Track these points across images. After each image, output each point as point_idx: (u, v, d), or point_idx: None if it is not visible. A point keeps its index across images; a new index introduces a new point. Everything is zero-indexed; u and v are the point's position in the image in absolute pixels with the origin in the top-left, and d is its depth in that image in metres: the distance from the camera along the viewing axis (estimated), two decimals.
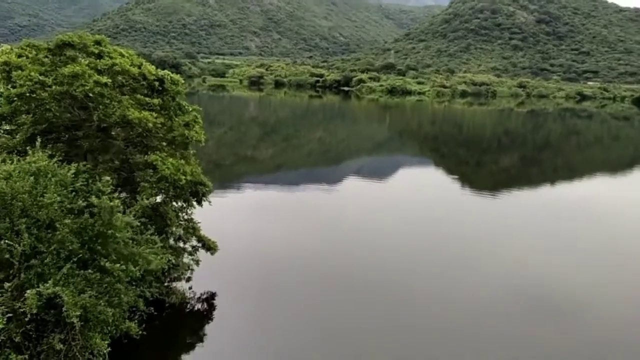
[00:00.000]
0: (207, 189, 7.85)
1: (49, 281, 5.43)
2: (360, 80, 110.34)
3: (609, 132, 49.85)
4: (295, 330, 7.01)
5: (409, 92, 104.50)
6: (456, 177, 19.63)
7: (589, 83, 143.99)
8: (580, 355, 6.63)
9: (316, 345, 6.73)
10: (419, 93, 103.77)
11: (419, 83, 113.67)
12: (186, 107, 8.24)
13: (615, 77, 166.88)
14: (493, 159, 27.52)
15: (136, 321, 6.06)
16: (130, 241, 6.41)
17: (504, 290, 8.57)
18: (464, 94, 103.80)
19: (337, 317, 7.45)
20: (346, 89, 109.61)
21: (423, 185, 18.14)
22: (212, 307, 7.63)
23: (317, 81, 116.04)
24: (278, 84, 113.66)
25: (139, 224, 6.67)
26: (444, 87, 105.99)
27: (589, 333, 7.26)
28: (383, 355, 6.50)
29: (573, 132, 46.86)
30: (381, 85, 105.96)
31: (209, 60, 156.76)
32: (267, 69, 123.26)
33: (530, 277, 9.18)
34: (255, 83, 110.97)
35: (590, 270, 9.74)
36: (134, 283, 6.43)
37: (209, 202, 7.92)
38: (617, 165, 27.30)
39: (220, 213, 12.34)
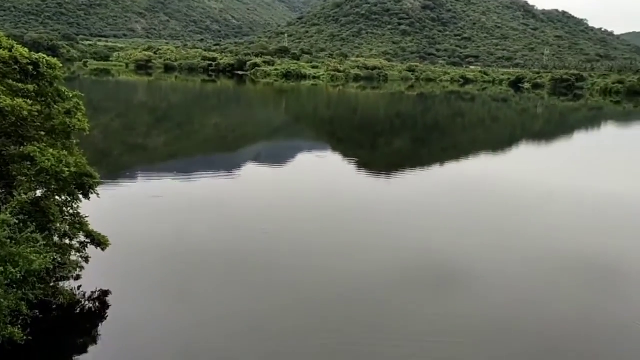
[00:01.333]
0: (94, 180, 7.32)
1: None
2: (255, 65, 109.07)
3: (490, 113, 53.59)
4: (194, 323, 6.77)
5: (304, 76, 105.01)
6: (353, 159, 20.07)
7: (471, 67, 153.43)
8: (475, 327, 7.01)
9: (217, 337, 6.56)
10: (314, 77, 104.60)
11: (313, 67, 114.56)
12: (66, 93, 7.58)
13: (494, 62, 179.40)
14: (387, 141, 28.51)
15: (19, 326, 5.58)
16: (8, 241, 5.83)
17: (400, 266, 8.87)
18: (357, 78, 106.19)
19: (236, 307, 7.29)
20: (241, 73, 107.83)
21: (321, 170, 18.37)
22: (105, 306, 7.16)
23: (210, 65, 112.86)
24: (168, 68, 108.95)
25: (17, 221, 6.08)
26: (338, 71, 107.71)
27: (480, 304, 7.71)
28: (284, 340, 6.48)
29: (458, 114, 49.78)
30: (276, 70, 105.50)
31: (90, 42, 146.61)
32: (155, 53, 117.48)
33: (425, 252, 9.60)
34: (143, 67, 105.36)
35: (482, 244, 10.36)
36: (14, 286, 5.86)
37: (97, 194, 7.40)
38: (498, 144, 29.46)
39: (110, 206, 11.62)
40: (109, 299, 7.26)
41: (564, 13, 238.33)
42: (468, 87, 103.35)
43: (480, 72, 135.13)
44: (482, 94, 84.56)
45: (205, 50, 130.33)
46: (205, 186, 14.38)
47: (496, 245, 10.28)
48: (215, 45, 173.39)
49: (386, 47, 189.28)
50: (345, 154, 21.98)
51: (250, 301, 7.43)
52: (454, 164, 21.02)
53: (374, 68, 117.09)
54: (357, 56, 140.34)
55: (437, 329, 6.84)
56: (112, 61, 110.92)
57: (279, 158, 20.89)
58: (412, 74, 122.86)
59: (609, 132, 39.55)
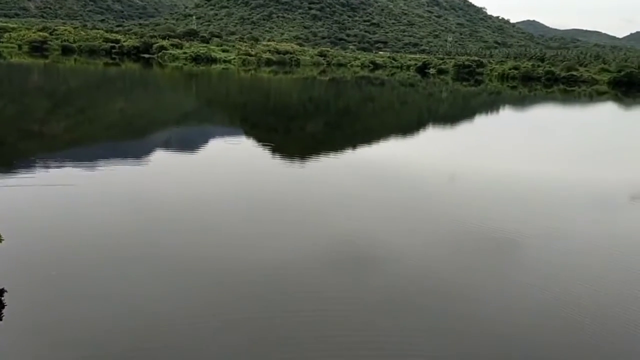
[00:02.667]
0: None
1: None
2: (162, 47, 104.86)
3: (399, 97, 55.20)
4: (101, 322, 6.37)
5: (215, 60, 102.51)
6: (267, 144, 19.89)
7: (380, 52, 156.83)
8: (392, 305, 7.16)
9: (127, 335, 6.21)
10: (225, 61, 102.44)
11: (224, 51, 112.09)
12: None
13: (402, 47, 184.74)
14: (300, 125, 28.53)
15: None
16: None
17: (316, 252, 8.88)
18: (269, 62, 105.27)
19: (148, 301, 6.95)
20: (147, 56, 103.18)
21: (235, 155, 18.02)
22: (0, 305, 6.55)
23: (113, 47, 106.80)
24: (66, 50, 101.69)
25: None
26: (250, 55, 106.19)
27: (395, 283, 7.88)
28: (193, 335, 6.28)
29: (369, 99, 50.82)
30: (185, 53, 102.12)
31: None
32: (51, 33, 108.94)
33: (341, 237, 9.68)
34: (38, 49, 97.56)
35: (395, 226, 10.62)
36: None
37: None
38: (407, 127, 30.44)
39: (5, 198, 10.70)
40: (5, 298, 6.64)
41: (464, 1, 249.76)
42: (378, 72, 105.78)
43: (389, 57, 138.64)
44: (391, 79, 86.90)
45: (107, 32, 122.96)
46: (113, 174, 13.60)
47: (408, 226, 10.59)
48: (117, 26, 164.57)
49: (297, 31, 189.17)
50: (259, 138, 21.73)
51: (163, 296, 7.11)
52: (366, 148, 21.44)
53: (286, 52, 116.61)
54: (269, 40, 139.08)
55: (357, 309, 6.92)
56: (2, 42, 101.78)
57: (190, 144, 20.24)
58: (324, 59, 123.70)
59: (507, 115, 42.15)
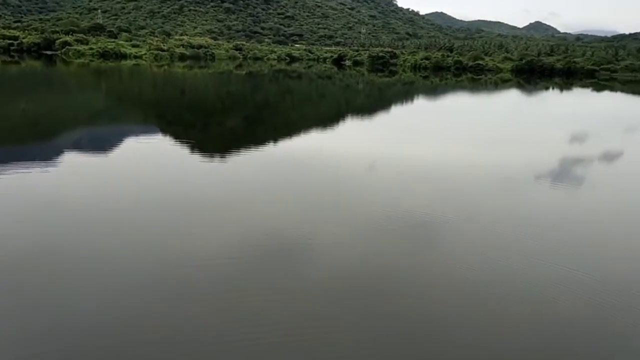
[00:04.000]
0: None
1: None
2: (65, 43, 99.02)
3: (317, 90, 55.59)
4: (18, 334, 5.96)
5: (124, 56, 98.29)
6: (185, 141, 19.36)
7: (296, 45, 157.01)
8: (318, 293, 7.20)
9: (47, 344, 5.85)
10: (135, 56, 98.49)
11: (134, 46, 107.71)
12: None
13: (317, 40, 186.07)
14: (219, 120, 28.01)
15: None
16: None
17: (241, 246, 8.78)
18: (183, 57, 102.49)
19: (67, 308, 6.58)
20: (49, 52, 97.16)
21: (152, 154, 17.39)
22: None
23: (12, 44, 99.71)
24: None
25: None
26: (162, 50, 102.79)
27: (320, 274, 7.93)
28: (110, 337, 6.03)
29: (287, 92, 50.79)
30: (91, 49, 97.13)
31: None
32: None
33: (266, 231, 9.61)
34: None
35: (319, 217, 10.69)
36: None
37: None
38: (326, 119, 30.72)
39: None
40: None
41: None
42: (295, 65, 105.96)
43: (305, 50, 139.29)
44: (308, 72, 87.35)
45: (4, 28, 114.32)
46: (20, 179, 12.70)
47: (333, 216, 10.69)
48: (16, 22, 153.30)
49: (211, 25, 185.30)
50: (177, 135, 21.11)
51: (82, 298, 6.75)
52: (287, 141, 21.44)
53: (200, 47, 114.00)
54: (181, 34, 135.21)
55: (284, 298, 6.92)
56: None
57: (103, 144, 19.29)
58: (240, 53, 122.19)
59: (421, 104, 43.69)
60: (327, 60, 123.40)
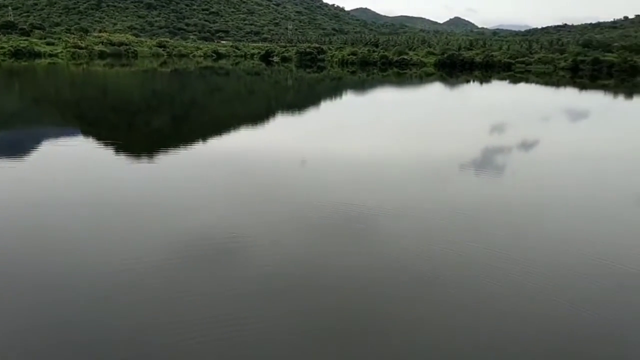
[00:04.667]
0: None
1: None
2: None
3: (246, 87, 55.00)
4: None
5: (39, 55, 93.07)
6: (109, 142, 18.55)
7: (222, 42, 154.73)
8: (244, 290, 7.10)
9: None
10: (51, 55, 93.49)
11: (49, 44, 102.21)
12: None
13: (244, 36, 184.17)
14: (145, 120, 27.08)
15: None
16: None
17: (173, 248, 8.53)
18: (102, 55, 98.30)
19: None
20: None
21: (73, 157, 16.52)
22: None
23: None
24: None
25: None
26: (80, 48, 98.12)
27: (254, 273, 7.84)
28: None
29: (215, 89, 49.91)
30: (2, 48, 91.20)
31: None
32: None
33: (198, 231, 9.39)
34: None
35: (253, 215, 10.55)
36: None
37: None
38: (256, 116, 30.41)
39: None
40: None
41: None
42: (222, 62, 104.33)
43: (231, 46, 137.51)
44: (236, 69, 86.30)
45: None
46: None
47: (267, 213, 10.60)
48: None
49: (131, 21, 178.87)
50: (100, 137, 20.20)
51: (5, 308, 6.31)
52: (217, 139, 21.06)
53: (121, 44, 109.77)
54: (100, 31, 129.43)
55: (212, 300, 6.78)
56: None
57: (19, 148, 18.13)
58: (164, 50, 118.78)
59: (350, 99, 44.26)
60: (255, 56, 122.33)
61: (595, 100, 44.76)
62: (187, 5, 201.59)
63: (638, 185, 14.16)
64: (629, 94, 51.63)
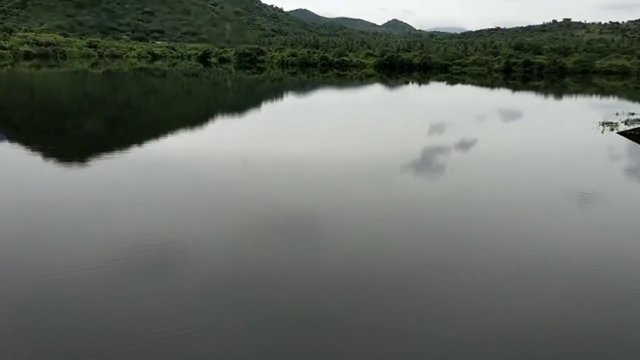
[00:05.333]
0: None
1: None
2: None
3: (183, 88, 53.70)
4: None
5: None
6: (37, 147, 17.45)
7: (157, 42, 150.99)
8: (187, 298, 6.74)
9: None
10: None
11: None
12: None
13: (180, 37, 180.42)
14: (76, 123, 25.74)
15: None
16: None
17: (110, 257, 7.99)
18: (28, 56, 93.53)
19: None
20: None
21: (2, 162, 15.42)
22: None
23: None
24: None
25: None
26: (4, 48, 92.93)
27: (197, 279, 7.48)
28: None
29: (151, 91, 48.39)
30: None
31: None
32: None
33: (134, 239, 8.87)
34: None
35: (193, 218, 10.11)
36: None
37: None
38: (195, 118, 29.63)
39: None
40: None
41: None
42: (157, 63, 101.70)
43: (167, 47, 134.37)
44: (173, 70, 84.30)
45: None
46: None
47: (204, 217, 10.19)
48: None
49: (60, 20, 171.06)
50: (27, 141, 18.97)
51: None
52: (154, 142, 20.27)
53: (49, 44, 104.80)
54: (26, 31, 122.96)
55: (150, 308, 6.35)
56: None
57: None
58: (95, 50, 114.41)
59: (291, 100, 44.07)
60: (192, 57, 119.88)
61: (528, 101, 46.71)
62: (119, 4, 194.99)
63: (567, 181, 14.70)
64: (559, 94, 54.27)
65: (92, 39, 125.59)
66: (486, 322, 6.54)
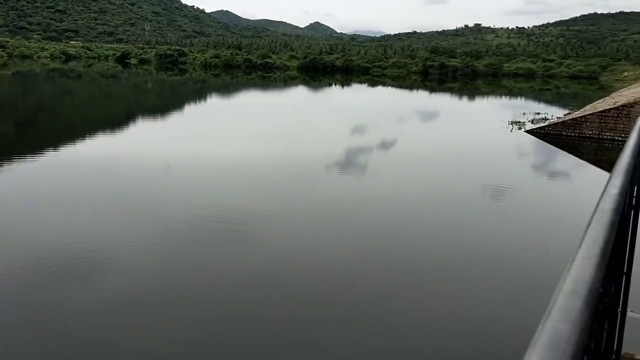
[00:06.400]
0: None
1: None
2: None
3: (101, 90, 51.60)
4: None
5: None
6: None
7: (71, 42, 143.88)
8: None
9: None
10: None
11: None
12: None
13: (96, 37, 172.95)
14: None
15: None
16: None
17: (22, 270, 7.69)
18: None
19: None
20: None
21: None
22: None
23: None
24: None
25: None
26: None
27: (122, 287, 7.38)
28: None
29: (66, 93, 46.14)
30: None
31: None
32: None
33: (49, 248, 8.56)
34: None
35: (114, 225, 9.86)
36: None
37: None
38: (115, 121, 28.61)
39: None
40: None
41: None
42: (72, 64, 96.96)
43: (82, 47, 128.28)
44: (89, 71, 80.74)
45: None
46: None
47: (126, 222, 9.99)
48: None
49: None
50: None
51: None
52: (70, 146, 19.42)
53: None
54: None
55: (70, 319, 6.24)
56: None
57: None
58: (3, 51, 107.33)
59: (215, 102, 43.53)
60: (110, 58, 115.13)
61: (444, 102, 48.84)
62: (28, 2, 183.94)
63: (482, 177, 15.63)
64: (472, 95, 57.10)
65: (1, 39, 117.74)
66: (418, 311, 6.90)
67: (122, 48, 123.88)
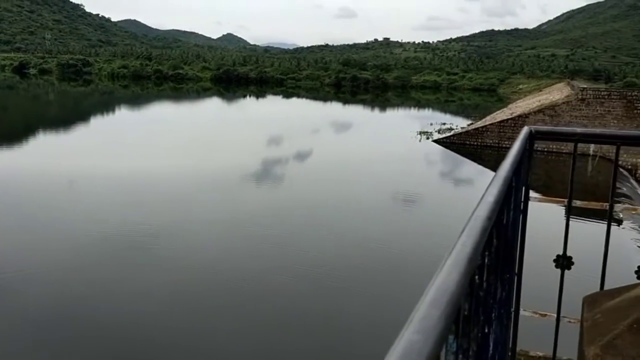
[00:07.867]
0: None
1: None
2: None
3: None
4: None
5: None
6: None
7: None
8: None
9: None
10: None
11: None
12: None
13: None
14: None
15: None
16: None
17: None
18: None
19: None
20: None
21: None
22: None
23: None
24: None
25: None
26: None
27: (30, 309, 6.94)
28: None
29: None
30: None
31: None
32: None
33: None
34: None
35: (21, 245, 9.24)
36: None
37: None
38: (12, 135, 26.73)
39: None
40: None
41: None
42: None
43: None
44: None
45: None
46: None
47: (23, 242, 9.40)
48: None
49: None
50: None
51: None
52: None
53: None
54: None
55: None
56: None
57: None
58: None
59: (124, 114, 41.89)
60: (7, 68, 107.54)
61: (357, 113, 50.11)
62: None
63: (392, 184, 16.22)
64: (383, 107, 59.03)
65: None
66: (317, 308, 7.01)
67: (20, 57, 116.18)
